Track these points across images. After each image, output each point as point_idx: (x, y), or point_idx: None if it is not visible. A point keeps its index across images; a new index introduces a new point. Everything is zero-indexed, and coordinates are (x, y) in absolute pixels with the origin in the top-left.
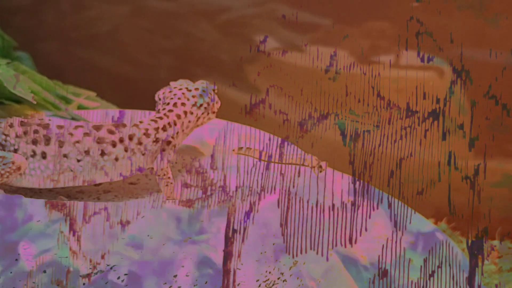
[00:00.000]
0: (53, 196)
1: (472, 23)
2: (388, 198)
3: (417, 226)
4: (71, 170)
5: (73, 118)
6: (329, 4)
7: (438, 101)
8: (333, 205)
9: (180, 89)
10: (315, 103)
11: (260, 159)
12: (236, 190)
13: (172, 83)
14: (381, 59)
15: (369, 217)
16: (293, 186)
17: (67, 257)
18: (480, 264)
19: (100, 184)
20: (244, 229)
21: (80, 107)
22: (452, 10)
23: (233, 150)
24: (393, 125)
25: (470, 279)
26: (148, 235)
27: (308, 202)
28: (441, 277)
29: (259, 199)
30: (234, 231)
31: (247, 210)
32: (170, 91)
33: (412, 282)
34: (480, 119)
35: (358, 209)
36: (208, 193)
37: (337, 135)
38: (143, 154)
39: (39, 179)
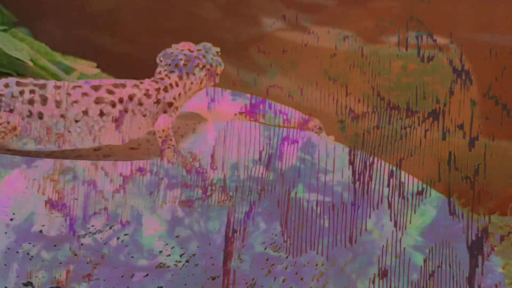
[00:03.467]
0: (51, 158)
1: (472, 23)
2: (388, 198)
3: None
4: (69, 131)
5: None
6: None
7: (438, 101)
8: (333, 205)
9: (182, 50)
10: (315, 103)
11: (261, 123)
12: (236, 190)
13: (174, 45)
14: (380, 59)
15: (369, 217)
16: (293, 186)
17: (66, 256)
18: (480, 264)
19: (99, 148)
20: (244, 229)
21: (81, 77)
22: (452, 10)
23: (235, 115)
24: (393, 125)
25: (470, 279)
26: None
27: (308, 202)
28: (441, 277)
29: (259, 199)
30: (234, 231)
31: (247, 210)
32: (172, 52)
33: (412, 282)
34: (480, 119)
35: (358, 209)
36: (208, 193)
37: (337, 135)
38: (144, 115)
39: (35, 140)
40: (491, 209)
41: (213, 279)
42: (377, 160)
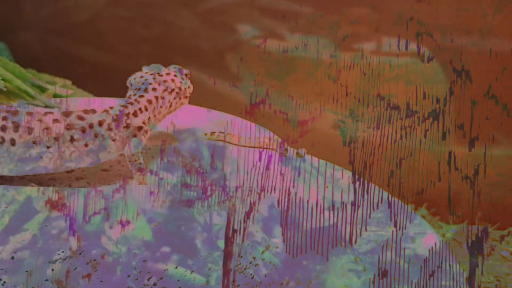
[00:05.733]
0: (24, 183)
1: (472, 23)
2: (388, 198)
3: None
4: (41, 157)
5: (47, 107)
6: None
7: (438, 101)
8: (333, 205)
9: (152, 74)
10: (315, 103)
11: (234, 144)
12: (236, 190)
13: (144, 68)
14: (381, 59)
15: (369, 217)
16: (293, 186)
17: (67, 256)
18: (480, 264)
19: (72, 171)
20: (244, 229)
21: (56, 96)
22: (452, 10)
23: (205, 134)
24: (393, 125)
25: (470, 279)
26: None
27: (308, 202)
28: (441, 277)
29: (259, 199)
30: (234, 231)
31: (247, 210)
32: (141, 76)
33: (412, 282)
34: (480, 119)
35: (358, 209)
36: (208, 193)
37: (337, 135)
38: (114, 140)
39: (8, 165)
40: (459, 217)
41: (213, 279)
42: (377, 160)
